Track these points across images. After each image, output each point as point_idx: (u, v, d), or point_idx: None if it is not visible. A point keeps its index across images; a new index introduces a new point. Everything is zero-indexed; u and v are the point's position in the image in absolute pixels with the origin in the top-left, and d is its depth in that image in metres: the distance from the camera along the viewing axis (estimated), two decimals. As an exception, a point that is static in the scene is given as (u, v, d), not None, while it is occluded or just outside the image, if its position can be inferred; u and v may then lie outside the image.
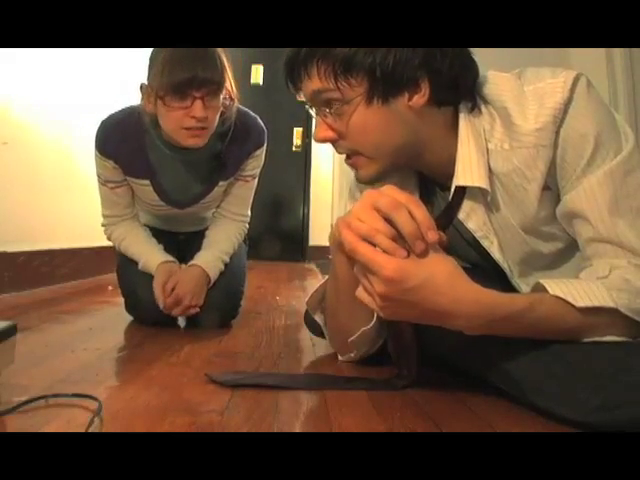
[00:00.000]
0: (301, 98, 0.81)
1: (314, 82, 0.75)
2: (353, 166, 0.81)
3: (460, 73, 0.74)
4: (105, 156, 1.24)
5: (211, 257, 1.31)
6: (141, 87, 1.19)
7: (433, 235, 0.62)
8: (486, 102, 0.76)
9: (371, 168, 0.78)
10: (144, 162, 1.26)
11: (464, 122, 0.76)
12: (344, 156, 0.81)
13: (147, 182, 1.28)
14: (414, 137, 0.76)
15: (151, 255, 1.30)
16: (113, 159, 1.25)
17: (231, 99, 1.20)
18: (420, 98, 0.73)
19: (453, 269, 0.66)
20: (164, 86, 1.10)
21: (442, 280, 0.64)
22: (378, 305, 0.66)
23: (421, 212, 0.63)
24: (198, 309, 1.25)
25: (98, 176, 1.29)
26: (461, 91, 0.75)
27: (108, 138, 1.24)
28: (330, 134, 0.78)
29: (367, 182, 0.81)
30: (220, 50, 1.16)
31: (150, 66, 1.15)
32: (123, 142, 1.24)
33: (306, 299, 0.99)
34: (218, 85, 1.14)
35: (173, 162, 1.27)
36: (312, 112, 0.80)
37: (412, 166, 0.83)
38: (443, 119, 0.77)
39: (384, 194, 0.64)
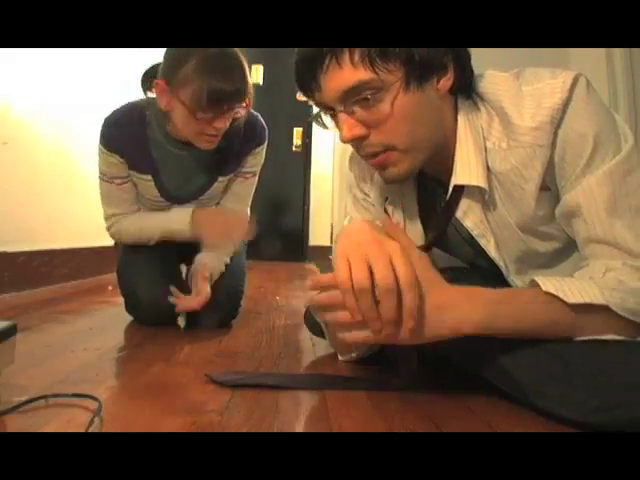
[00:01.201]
0: (313, 99, 0.76)
1: (346, 71, 0.69)
2: (383, 164, 0.75)
3: (469, 58, 0.75)
4: (111, 150, 1.24)
5: (211, 257, 1.31)
6: (156, 84, 1.16)
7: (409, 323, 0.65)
8: (483, 100, 0.76)
9: (404, 164, 0.75)
10: (148, 157, 1.27)
11: (462, 121, 0.76)
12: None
13: (149, 177, 1.29)
14: (441, 126, 0.76)
15: (171, 215, 1.31)
16: (119, 153, 1.25)
17: (246, 106, 1.21)
18: (447, 81, 0.73)
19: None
20: (197, 101, 1.10)
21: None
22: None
23: (403, 271, 0.63)
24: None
25: (103, 174, 1.29)
26: (469, 78, 0.75)
27: (113, 133, 1.25)
28: (359, 130, 0.72)
29: (396, 181, 0.78)
30: (242, 56, 1.16)
31: (173, 66, 1.13)
32: (128, 136, 1.24)
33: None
34: (244, 97, 1.16)
35: (174, 157, 1.27)
36: (324, 120, 0.77)
37: (429, 163, 0.80)
38: (453, 110, 0.77)
39: (376, 249, 0.64)
